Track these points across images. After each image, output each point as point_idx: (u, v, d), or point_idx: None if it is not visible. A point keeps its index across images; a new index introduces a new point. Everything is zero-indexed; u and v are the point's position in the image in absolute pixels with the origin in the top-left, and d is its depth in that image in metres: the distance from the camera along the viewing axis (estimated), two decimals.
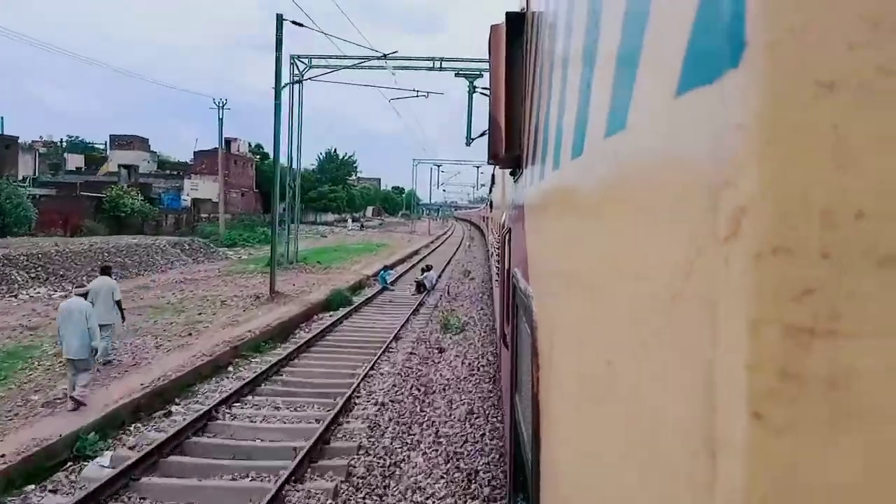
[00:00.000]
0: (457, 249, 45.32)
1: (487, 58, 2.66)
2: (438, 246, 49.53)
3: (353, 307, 18.90)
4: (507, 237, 4.24)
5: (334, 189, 74.88)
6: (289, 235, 28.13)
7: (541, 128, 1.65)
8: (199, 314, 15.85)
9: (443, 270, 30.86)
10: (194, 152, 58.12)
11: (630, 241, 0.69)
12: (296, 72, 26.33)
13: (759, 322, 0.38)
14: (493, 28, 2.53)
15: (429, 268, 24.34)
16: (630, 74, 0.66)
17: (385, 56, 20.99)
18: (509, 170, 3.23)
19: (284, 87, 19.05)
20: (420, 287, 22.84)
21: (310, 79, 25.80)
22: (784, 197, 0.38)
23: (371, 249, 39.42)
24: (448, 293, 23.05)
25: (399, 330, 15.77)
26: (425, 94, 26.42)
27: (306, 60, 26.23)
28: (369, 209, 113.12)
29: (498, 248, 7.75)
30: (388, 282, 23.80)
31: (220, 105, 42.51)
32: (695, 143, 0.47)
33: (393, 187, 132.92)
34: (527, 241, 2.22)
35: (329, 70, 25.66)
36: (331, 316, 17.58)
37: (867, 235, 0.37)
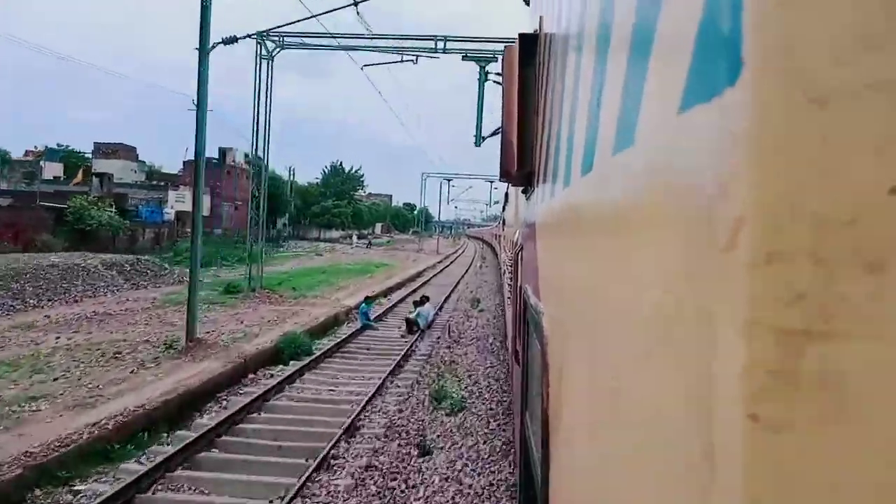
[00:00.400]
0: (466, 270, 39.56)
1: (500, 70, 2.84)
2: (446, 266, 43.75)
3: (311, 359, 13.17)
4: (519, 254, 4.17)
5: (338, 204, 69.51)
6: (250, 254, 22.53)
7: (552, 146, 1.68)
8: (56, 378, 10.19)
9: (447, 298, 25.08)
10: (183, 162, 53.01)
11: (635, 256, 0.71)
12: (263, 53, 20.91)
13: (754, 326, 0.39)
14: (507, 49, 2.59)
15: (424, 300, 18.56)
16: (637, 93, 0.68)
17: (356, 3, 15.36)
18: (521, 187, 3.37)
19: (214, 47, 13.56)
20: (411, 326, 17.09)
21: (278, 43, 20.36)
22: (777, 206, 0.39)
23: (367, 271, 33.74)
24: (449, 333, 17.27)
25: (362, 409, 9.97)
26: (412, 58, 20.67)
27: (277, 38, 20.80)
28: (378, 226, 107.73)
29: (510, 266, 7.37)
30: (371, 318, 18.04)
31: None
32: (697, 157, 0.48)
33: (404, 203, 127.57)
34: (538, 257, 2.22)
35: (302, 46, 20.24)
36: (271, 377, 11.86)
37: (857, 241, 0.38)
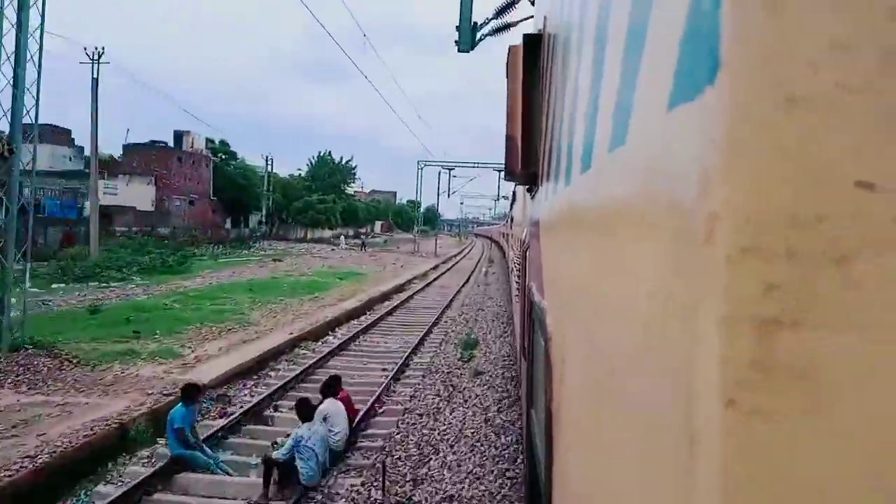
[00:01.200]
0: (466, 281, 28.65)
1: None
2: (441, 274, 32.82)
3: None
4: (525, 253, 4.17)
5: (324, 199, 58.44)
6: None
7: (555, 145, 1.68)
8: None
9: (420, 341, 14.32)
10: (123, 146, 42.41)
11: (626, 253, 0.72)
12: None
13: (730, 317, 0.40)
14: (511, 49, 2.57)
15: (326, 392, 7.54)
16: (630, 92, 0.69)
17: None
18: (527, 186, 3.27)
19: None
20: (281, 476, 6.24)
21: None
22: (751, 202, 0.40)
23: (319, 287, 22.91)
24: (383, 491, 6.40)
25: None
26: None
27: None
28: (378, 224, 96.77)
29: (518, 265, 7.31)
30: (196, 435, 7.12)
31: (95, 57, 26.48)
32: (681, 155, 0.49)
33: (408, 201, 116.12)
34: (541, 255, 2.22)
35: None
36: None
37: (827, 236, 0.39)
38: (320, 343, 14.25)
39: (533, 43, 2.44)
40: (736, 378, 0.39)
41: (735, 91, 0.40)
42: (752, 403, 0.39)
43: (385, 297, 22.10)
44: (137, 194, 39.10)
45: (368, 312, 18.97)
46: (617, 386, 0.75)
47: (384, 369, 12.11)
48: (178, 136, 45.05)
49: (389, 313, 18.70)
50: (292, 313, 16.82)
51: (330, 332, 15.53)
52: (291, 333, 13.82)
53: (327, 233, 63.91)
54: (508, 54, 2.58)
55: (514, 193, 11.55)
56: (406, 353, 13.06)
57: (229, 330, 13.81)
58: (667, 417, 0.50)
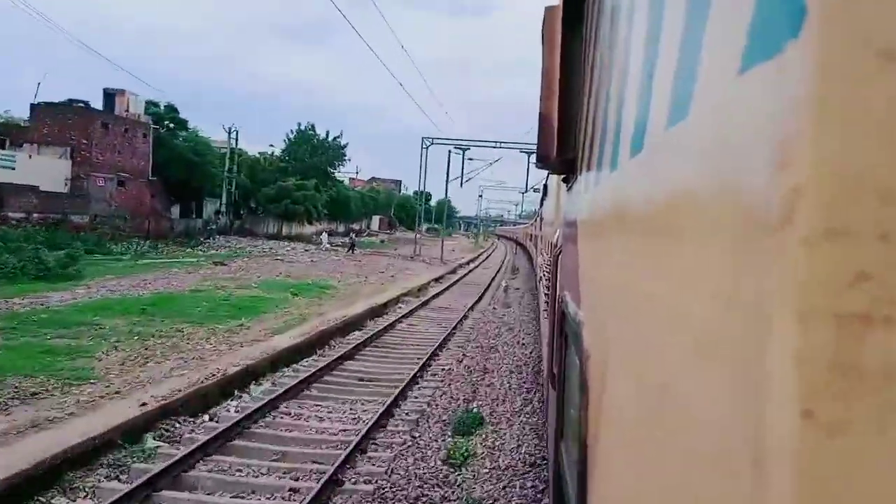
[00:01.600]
0: (479, 299, 23.91)
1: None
2: (443, 290, 28.02)
3: None
4: (557, 257, 4.17)
5: (303, 184, 53.89)
6: None
7: (598, 123, 1.67)
8: None
9: (360, 441, 9.71)
10: (31, 106, 38.14)
11: (686, 249, 0.70)
12: None
13: (810, 310, 0.39)
14: (548, 10, 2.53)
15: None
16: (694, 52, 0.67)
17: None
18: (562, 176, 3.25)
19: None
20: None
21: None
22: (838, 175, 0.39)
23: (254, 307, 18.28)
24: None
25: None
26: None
27: None
28: (375, 219, 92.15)
29: (548, 272, 7.16)
30: None
31: None
32: (755, 126, 0.48)
33: (415, 192, 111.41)
34: (578, 258, 2.22)
35: None
36: None
37: None
38: (204, 420, 9.65)
39: (574, 4, 2.38)
40: (815, 383, 0.38)
41: (825, 45, 0.38)
42: (834, 414, 0.38)
43: (351, 325, 17.46)
44: (45, 169, 34.82)
45: (316, 354, 14.37)
46: (671, 412, 0.73)
47: (291, 493, 7.45)
48: (110, 96, 40.78)
49: (348, 356, 14.05)
50: (180, 356, 12.19)
51: (236, 394, 10.96)
52: (145, 404, 9.14)
53: (311, 228, 59.52)
54: (545, 17, 2.53)
55: (545, 187, 11.20)
56: (348, 449, 8.41)
57: (33, 395, 9.19)
58: (732, 444, 0.49)
